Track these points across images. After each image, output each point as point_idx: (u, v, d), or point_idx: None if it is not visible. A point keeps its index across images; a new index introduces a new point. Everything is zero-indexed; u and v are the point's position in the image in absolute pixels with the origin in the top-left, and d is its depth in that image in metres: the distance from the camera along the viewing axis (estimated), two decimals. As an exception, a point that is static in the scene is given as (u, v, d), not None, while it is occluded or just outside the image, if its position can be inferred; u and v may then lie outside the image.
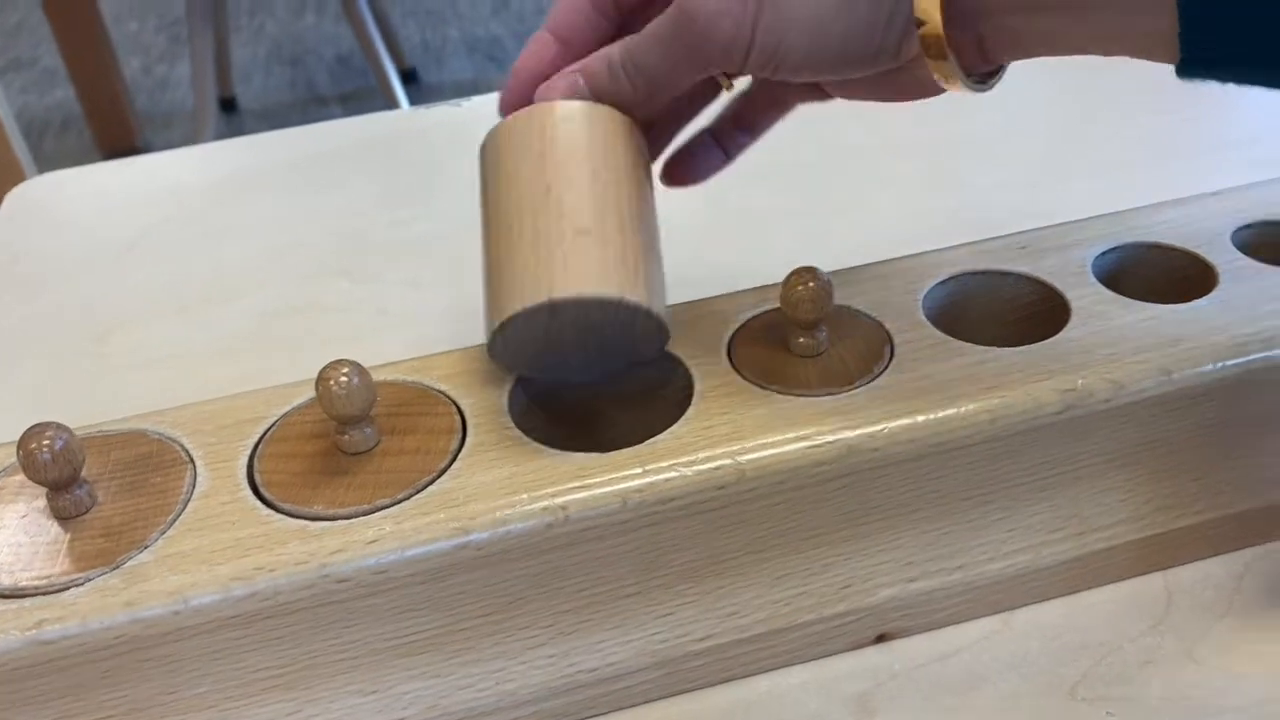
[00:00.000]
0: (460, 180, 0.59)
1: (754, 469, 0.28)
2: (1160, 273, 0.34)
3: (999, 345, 0.31)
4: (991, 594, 0.32)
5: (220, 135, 2.25)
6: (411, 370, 0.32)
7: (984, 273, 0.34)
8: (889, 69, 0.29)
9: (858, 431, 0.29)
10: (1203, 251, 0.33)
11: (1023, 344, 0.31)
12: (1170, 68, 0.26)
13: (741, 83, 0.34)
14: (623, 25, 0.33)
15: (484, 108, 0.65)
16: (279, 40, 2.68)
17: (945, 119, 0.59)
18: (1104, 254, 0.34)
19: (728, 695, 0.31)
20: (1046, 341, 0.31)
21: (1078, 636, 0.32)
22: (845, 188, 0.55)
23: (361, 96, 2.37)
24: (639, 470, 0.28)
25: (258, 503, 0.28)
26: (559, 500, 0.27)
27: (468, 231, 0.54)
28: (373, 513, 0.27)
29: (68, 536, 0.28)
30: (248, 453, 0.30)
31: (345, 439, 0.29)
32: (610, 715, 0.30)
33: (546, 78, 0.32)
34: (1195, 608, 0.33)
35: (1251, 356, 0.30)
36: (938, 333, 0.31)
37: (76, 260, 0.54)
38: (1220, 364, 0.30)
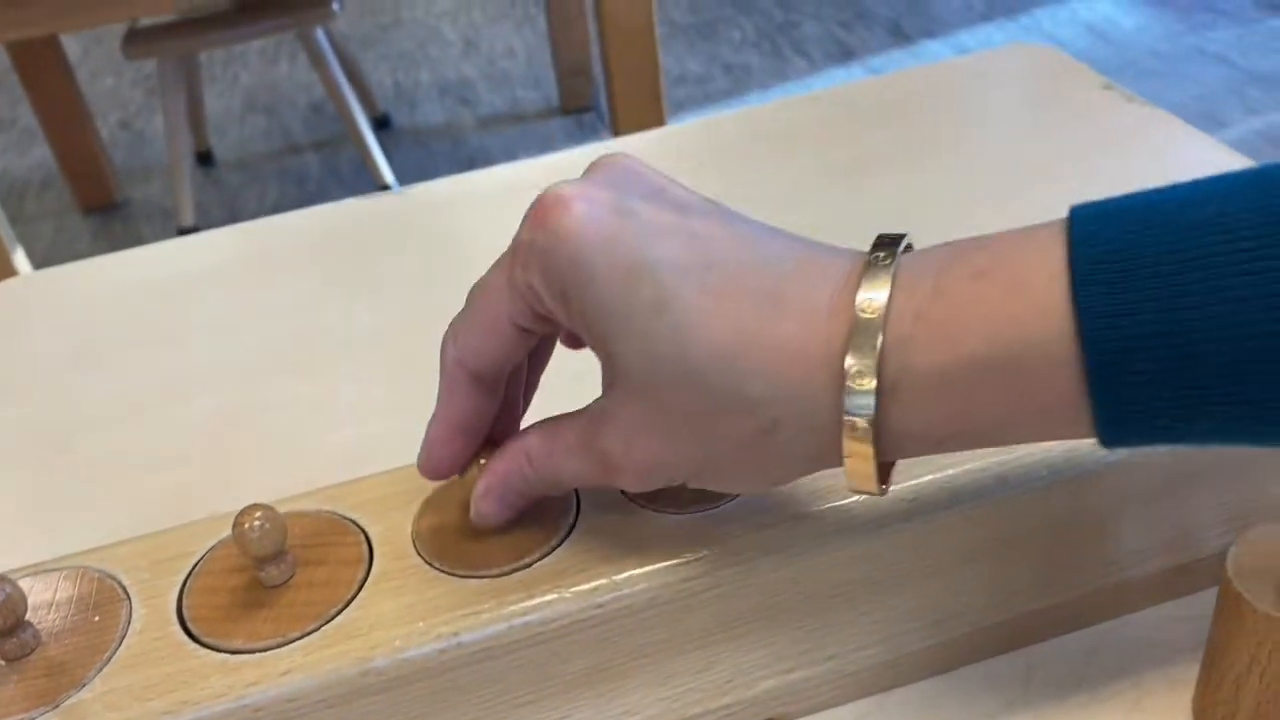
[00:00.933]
0: (403, 269, 0.63)
1: (629, 586, 0.31)
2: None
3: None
4: (863, 679, 0.35)
5: (198, 189, 2.29)
6: (327, 500, 0.35)
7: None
8: None
9: (723, 546, 0.32)
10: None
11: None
12: None
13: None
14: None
15: (425, 196, 0.69)
16: (253, 90, 2.72)
17: (846, 203, 0.63)
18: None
19: (623, 785, 0.34)
20: (896, 453, 0.34)
21: (946, 714, 0.35)
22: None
23: (336, 143, 2.41)
24: (524, 594, 0.31)
25: (185, 638, 0.31)
26: (451, 627, 0.30)
27: (410, 322, 0.58)
28: (285, 645, 0.31)
29: (13, 678, 0.31)
30: (177, 588, 0.33)
31: (263, 574, 0.32)
32: (516, 810, 0.33)
33: (457, 461, 0.33)
34: (1052, 682, 0.36)
35: (1081, 465, 0.33)
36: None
37: (31, 370, 0.57)
38: (1051, 472, 0.33)
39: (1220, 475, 0.36)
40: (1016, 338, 0.25)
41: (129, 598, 0.33)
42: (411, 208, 0.67)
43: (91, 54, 3.02)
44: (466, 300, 0.33)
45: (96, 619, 0.32)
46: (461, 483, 0.33)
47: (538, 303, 0.30)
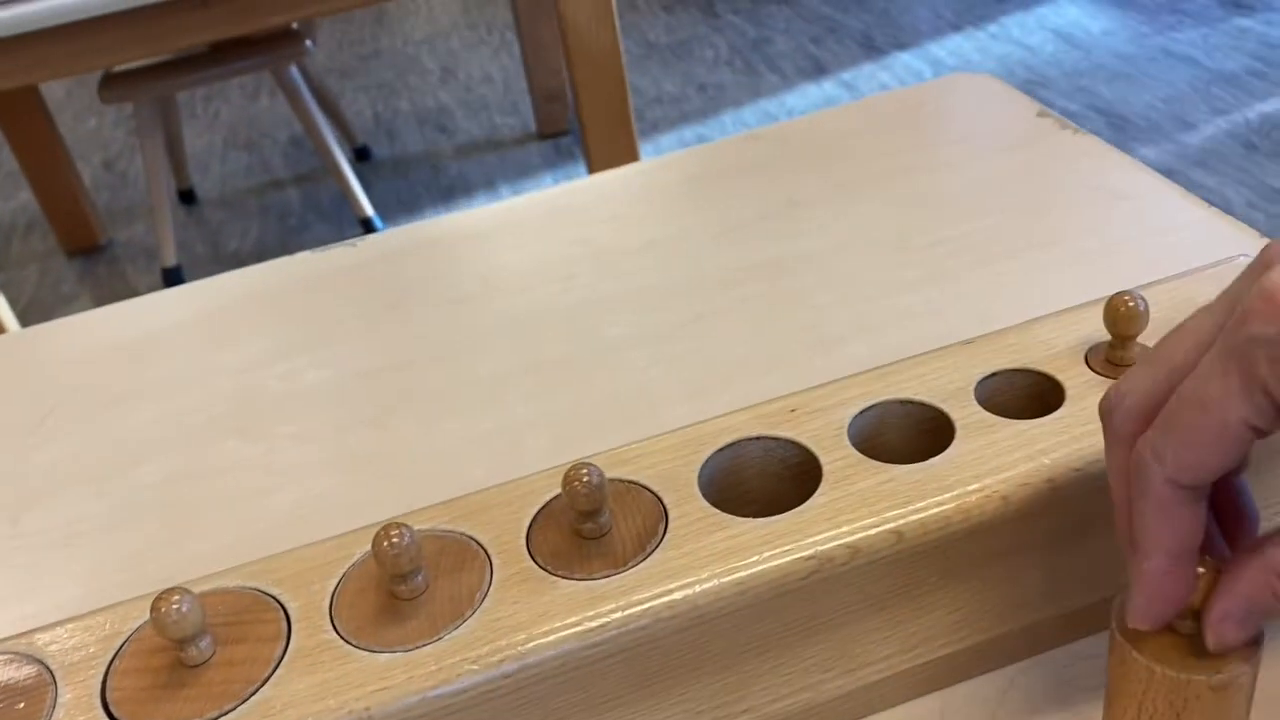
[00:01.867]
0: (349, 324, 0.64)
1: (536, 654, 0.32)
2: (912, 426, 0.39)
3: (778, 502, 0.35)
4: (779, 730, 0.36)
5: (181, 228, 2.30)
6: (250, 575, 0.36)
7: (758, 439, 0.38)
8: None
9: (626, 613, 0.33)
10: (946, 406, 0.38)
11: (796, 504, 0.36)
12: None
13: None
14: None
15: (376, 247, 0.70)
16: (234, 126, 2.74)
17: (786, 239, 0.64)
18: (863, 412, 0.38)
19: (546, 845, 0.35)
20: (796, 510, 0.35)
21: (861, 760, 0.36)
22: (698, 306, 0.59)
23: (317, 177, 2.43)
24: (434, 668, 0.32)
25: (107, 721, 0.32)
26: (363, 704, 0.31)
27: (354, 378, 0.59)
28: (202, 726, 0.32)
29: (-61, 769, 0.32)
30: (102, 671, 0.34)
31: (183, 655, 0.33)
32: None
33: (1183, 596, 0.29)
34: (965, 724, 0.37)
35: (971, 517, 0.34)
36: (706, 505, 0.36)
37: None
38: (945, 524, 0.34)
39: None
40: None
41: (55, 682, 0.34)
42: (361, 260, 0.68)
43: (74, 96, 3.04)
44: (1163, 412, 0.29)
45: (21, 706, 0.33)
46: (379, 554, 0.34)
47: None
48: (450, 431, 0.54)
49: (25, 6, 1.40)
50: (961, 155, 0.69)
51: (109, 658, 0.34)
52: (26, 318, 2.02)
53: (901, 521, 0.34)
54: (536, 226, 0.69)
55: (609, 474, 0.37)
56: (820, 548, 0.34)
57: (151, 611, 0.32)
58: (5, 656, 0.35)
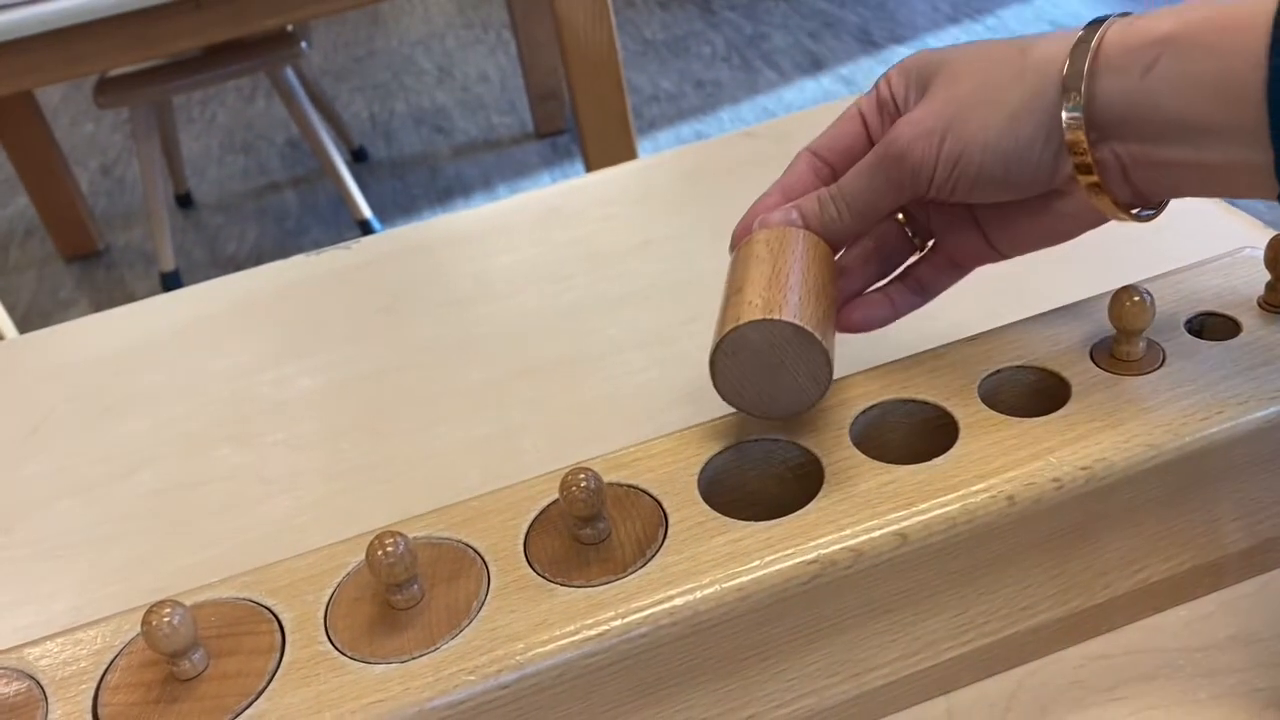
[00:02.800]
0: (343, 328, 0.63)
1: (535, 664, 0.32)
2: (915, 425, 0.38)
3: (780, 505, 0.35)
4: (783, 736, 0.35)
5: (179, 232, 2.30)
6: (243, 586, 0.36)
7: (758, 440, 0.38)
8: (1048, 193, 0.37)
9: (625, 620, 0.32)
10: (949, 405, 0.37)
11: (799, 505, 0.35)
12: None
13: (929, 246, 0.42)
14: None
15: (371, 250, 0.69)
16: (230, 129, 2.74)
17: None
18: (865, 412, 0.38)
19: None
20: (798, 513, 0.34)
21: (868, 765, 0.36)
22: (696, 305, 0.59)
23: (314, 179, 2.42)
24: (431, 678, 0.31)
25: (97, 738, 0.32)
26: (358, 716, 0.31)
27: (348, 383, 0.58)
28: (194, 741, 0.31)
29: (-72, 788, 0.31)
30: (93, 686, 0.33)
31: (175, 668, 0.33)
32: None
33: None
34: (973, 728, 0.36)
35: (976, 518, 0.34)
36: (707, 509, 0.35)
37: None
38: (950, 526, 0.33)
39: (1119, 528, 0.37)
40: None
41: (45, 698, 0.33)
42: (356, 263, 0.68)
43: (70, 101, 3.04)
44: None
45: (11, 723, 0.32)
46: (374, 563, 0.34)
47: (885, 86, 0.40)
48: (445, 436, 0.53)
49: (18, 12, 1.40)
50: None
51: (100, 672, 0.34)
52: (25, 324, 2.01)
53: (905, 523, 0.33)
54: (532, 227, 0.69)
55: (607, 478, 0.36)
56: (823, 551, 0.33)
57: (143, 625, 0.32)
58: (-6, 672, 0.34)
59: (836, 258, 0.41)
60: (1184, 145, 0.33)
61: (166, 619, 0.32)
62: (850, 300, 0.42)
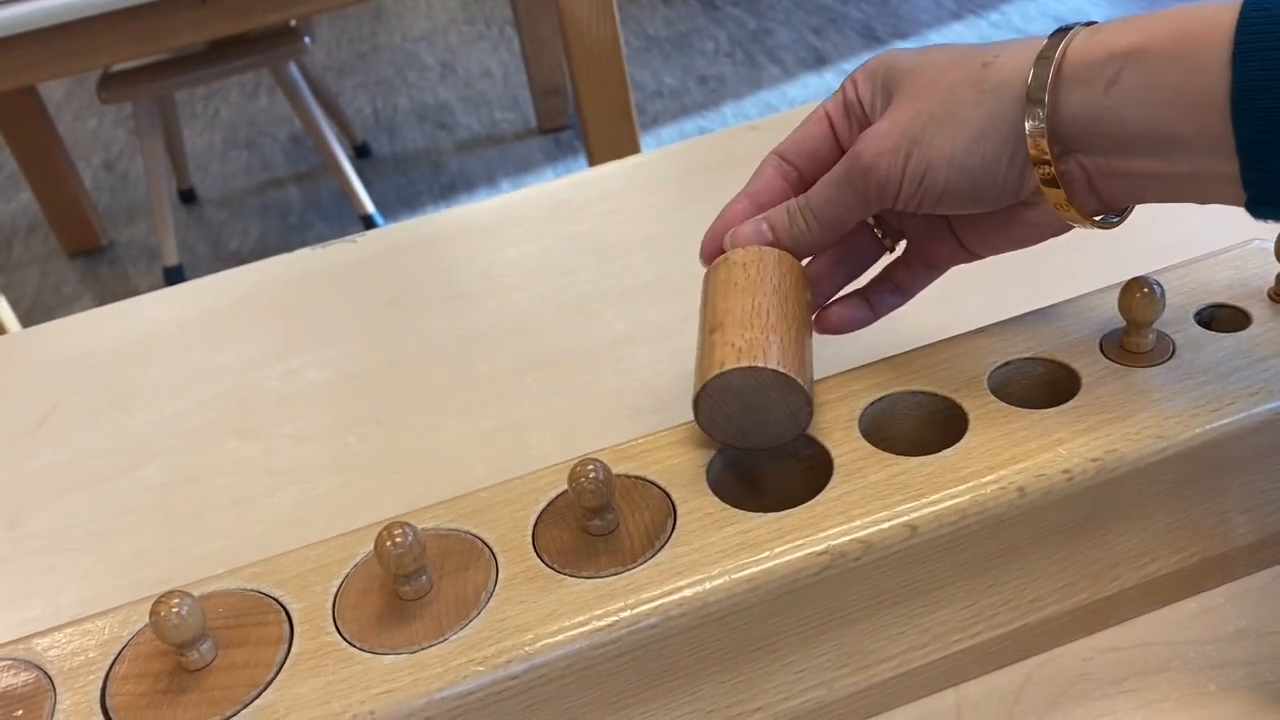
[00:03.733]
0: (349, 321, 0.63)
1: (543, 654, 0.32)
2: (925, 417, 0.38)
3: (789, 497, 0.35)
4: (792, 728, 0.35)
5: (182, 227, 2.30)
6: (251, 577, 0.36)
7: (767, 431, 0.37)
8: (1015, 204, 0.37)
9: (634, 611, 0.32)
10: (958, 396, 0.37)
11: (808, 496, 0.35)
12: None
13: (900, 247, 0.43)
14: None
15: (376, 243, 0.69)
16: (234, 125, 2.73)
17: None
18: (874, 403, 0.38)
19: None
20: (808, 505, 0.34)
21: (877, 757, 0.36)
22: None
23: (317, 175, 2.42)
24: (440, 669, 0.31)
25: (107, 729, 0.32)
26: (367, 706, 0.31)
27: (354, 377, 0.58)
28: (203, 732, 0.31)
29: (-63, 778, 0.31)
30: (102, 676, 0.33)
31: (184, 659, 0.33)
32: None
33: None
34: (982, 719, 0.36)
35: (986, 509, 0.33)
36: (715, 500, 0.35)
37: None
38: (960, 517, 0.33)
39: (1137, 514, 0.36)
40: (1173, 32, 0.31)
41: (54, 688, 0.33)
42: (360, 257, 0.68)
43: (73, 96, 3.04)
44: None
45: (20, 713, 0.32)
46: (382, 554, 0.34)
47: (851, 89, 0.40)
48: (452, 429, 0.53)
49: (22, 6, 1.40)
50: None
51: (109, 663, 0.34)
52: (29, 319, 2.01)
53: (915, 515, 0.33)
54: (537, 221, 0.69)
55: (615, 470, 0.36)
56: (832, 542, 0.33)
57: (151, 615, 0.32)
58: (4, 662, 0.34)
59: (806, 263, 0.41)
60: (1150, 157, 0.33)
61: (175, 609, 0.32)
62: (826, 304, 0.42)
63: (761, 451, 0.37)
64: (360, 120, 2.59)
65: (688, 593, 0.32)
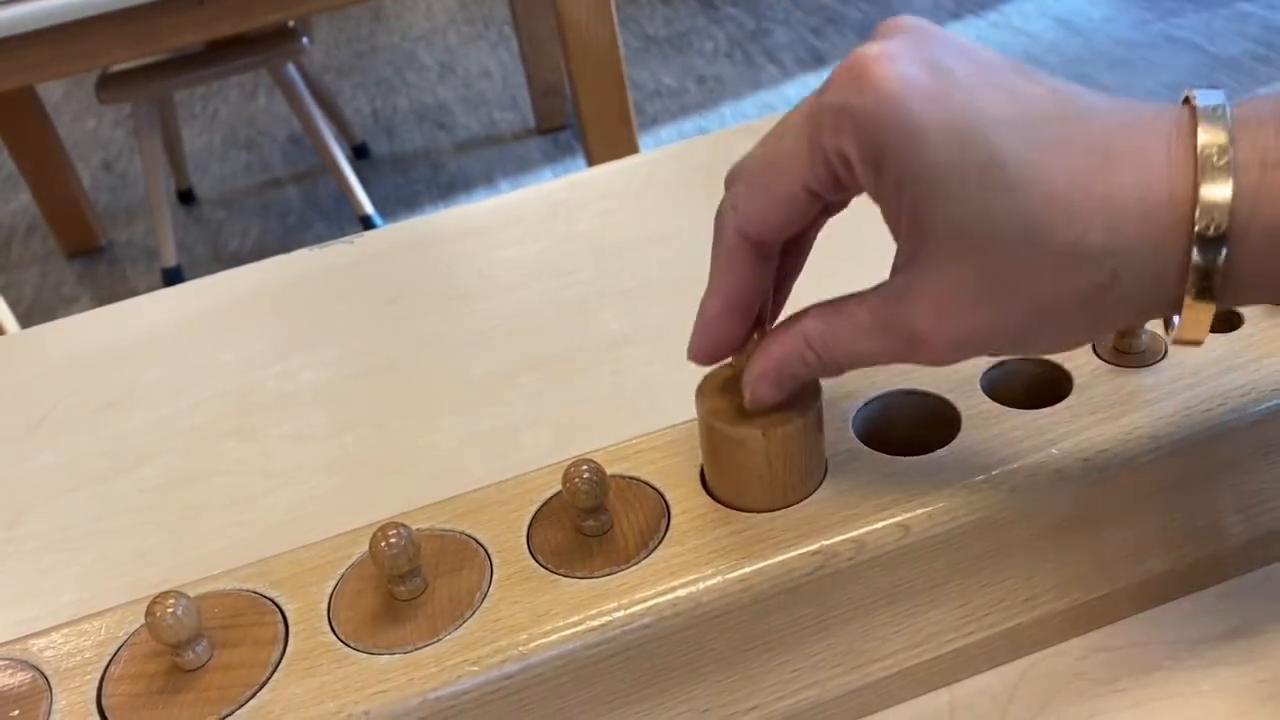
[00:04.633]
0: (346, 322, 0.63)
1: (538, 654, 0.32)
2: (918, 417, 0.38)
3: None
4: (786, 727, 0.35)
5: (181, 228, 2.30)
6: (247, 578, 0.36)
7: (761, 432, 0.38)
8: None
9: (628, 611, 0.32)
10: (951, 396, 0.37)
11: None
12: None
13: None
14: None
15: (374, 244, 0.69)
16: (232, 125, 2.74)
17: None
18: (867, 404, 0.38)
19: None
20: (801, 504, 0.34)
21: (870, 756, 0.36)
22: (699, 299, 0.59)
23: (316, 175, 2.42)
24: (434, 669, 0.31)
25: (102, 728, 0.32)
26: (362, 706, 0.31)
27: (351, 377, 0.58)
28: (199, 732, 0.31)
29: (-67, 778, 0.31)
30: (98, 676, 0.33)
31: (179, 659, 0.33)
32: None
33: (733, 341, 0.33)
34: (975, 719, 0.36)
35: (978, 510, 0.34)
36: (710, 500, 0.35)
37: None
38: (952, 517, 0.34)
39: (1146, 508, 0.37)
40: None
41: (50, 689, 0.33)
42: (358, 257, 0.68)
43: (72, 97, 3.04)
44: (744, 167, 0.31)
45: (16, 713, 0.33)
46: (376, 554, 0.34)
47: (844, 170, 0.28)
48: (449, 430, 0.53)
49: (20, 7, 1.40)
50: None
51: (104, 663, 0.34)
52: (28, 320, 2.02)
53: (908, 515, 0.34)
54: (535, 221, 0.69)
55: (610, 470, 0.36)
56: (825, 542, 0.33)
57: (146, 616, 0.32)
58: (0, 662, 0.34)
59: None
60: None
61: (170, 610, 0.32)
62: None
63: None
64: (359, 120, 2.59)
65: (681, 593, 0.32)
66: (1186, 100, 0.27)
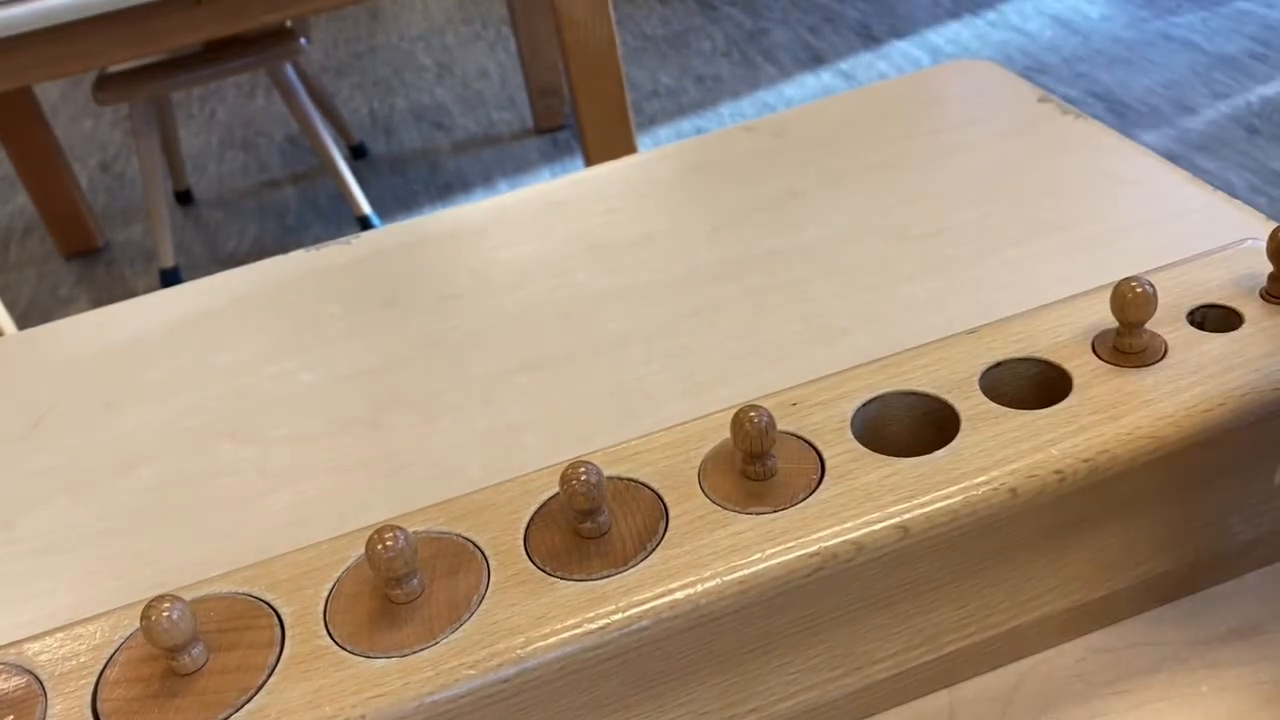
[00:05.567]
0: (343, 323, 0.63)
1: (535, 658, 0.31)
2: (916, 418, 0.38)
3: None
4: (785, 730, 0.35)
5: (179, 229, 2.30)
6: (243, 581, 0.35)
7: (759, 433, 0.37)
8: None
9: (626, 614, 0.32)
10: (950, 397, 0.37)
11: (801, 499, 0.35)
12: None
13: None
14: None
15: (370, 245, 0.69)
16: (230, 125, 2.73)
17: (785, 230, 0.63)
18: (866, 405, 0.38)
19: None
20: (799, 506, 0.34)
21: (870, 759, 0.36)
22: (697, 299, 0.59)
23: (313, 175, 2.42)
24: (431, 673, 0.31)
25: (97, 733, 0.32)
26: (358, 710, 0.31)
27: (348, 378, 0.58)
28: (194, 736, 0.31)
29: (-73, 784, 0.31)
30: (93, 681, 0.33)
31: (175, 663, 0.32)
32: None
33: None
34: (975, 721, 0.36)
35: (978, 511, 0.33)
36: (707, 502, 0.35)
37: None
38: (952, 519, 0.33)
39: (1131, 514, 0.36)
40: None
41: (45, 693, 0.33)
42: (355, 258, 0.68)
43: (69, 98, 3.03)
44: None
45: (11, 718, 0.32)
46: (373, 557, 0.33)
47: None
48: (446, 431, 0.53)
49: (16, 8, 1.40)
50: (962, 142, 0.68)
51: (100, 667, 0.33)
52: (25, 321, 2.01)
53: (907, 516, 0.33)
54: (532, 221, 0.69)
55: (607, 471, 0.36)
56: (824, 544, 0.33)
57: (142, 619, 0.32)
58: (-6, 667, 0.34)
59: None
60: None
61: (166, 614, 0.32)
62: None
63: None
64: (357, 121, 2.58)
65: (679, 595, 0.32)
66: None
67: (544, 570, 0.34)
